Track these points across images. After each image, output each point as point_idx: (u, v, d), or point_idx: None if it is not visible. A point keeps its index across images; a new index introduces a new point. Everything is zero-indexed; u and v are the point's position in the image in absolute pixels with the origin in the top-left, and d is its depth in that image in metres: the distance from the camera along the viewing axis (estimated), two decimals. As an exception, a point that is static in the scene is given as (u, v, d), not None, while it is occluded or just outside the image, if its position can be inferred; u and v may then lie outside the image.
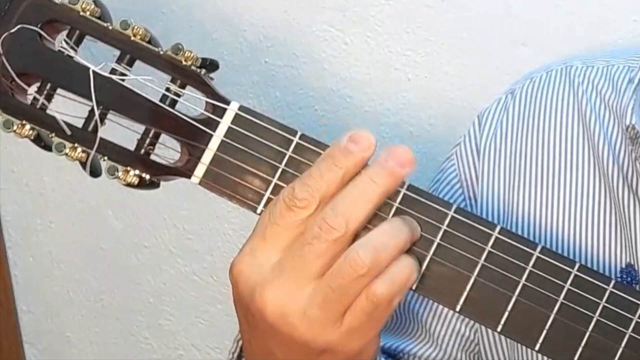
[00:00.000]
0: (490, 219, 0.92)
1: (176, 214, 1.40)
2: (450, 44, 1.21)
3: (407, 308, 0.96)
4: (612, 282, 0.71)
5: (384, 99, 1.24)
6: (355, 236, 0.69)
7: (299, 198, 0.68)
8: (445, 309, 0.93)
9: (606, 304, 0.71)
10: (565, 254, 0.86)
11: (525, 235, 0.89)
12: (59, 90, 0.73)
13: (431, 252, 0.71)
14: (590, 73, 0.93)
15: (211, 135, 0.72)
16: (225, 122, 0.72)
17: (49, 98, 0.73)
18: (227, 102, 0.73)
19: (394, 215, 0.71)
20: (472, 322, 0.94)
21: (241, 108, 0.73)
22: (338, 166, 0.68)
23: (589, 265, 0.87)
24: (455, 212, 0.71)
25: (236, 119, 0.72)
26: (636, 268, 0.85)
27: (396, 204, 0.71)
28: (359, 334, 0.69)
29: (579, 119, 0.91)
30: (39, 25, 0.73)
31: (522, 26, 1.17)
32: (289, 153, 0.72)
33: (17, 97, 0.73)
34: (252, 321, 0.71)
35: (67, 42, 0.72)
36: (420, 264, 0.71)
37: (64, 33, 0.73)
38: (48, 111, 0.73)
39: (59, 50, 0.73)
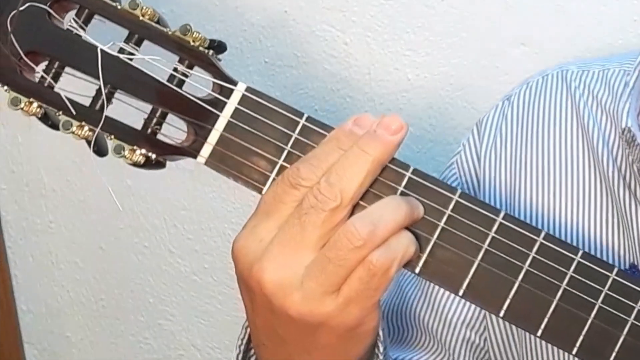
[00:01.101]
0: None
1: (176, 214, 1.40)
2: (450, 44, 1.21)
3: (417, 319, 0.96)
4: (615, 269, 0.72)
5: (384, 99, 1.25)
6: (356, 205, 0.70)
7: (303, 177, 0.69)
8: (454, 318, 0.94)
9: (609, 292, 0.71)
10: None
11: None
12: (67, 69, 0.73)
13: (435, 236, 0.71)
14: (586, 77, 0.94)
15: (218, 116, 0.72)
16: (232, 103, 0.73)
17: (57, 76, 0.73)
18: (235, 83, 0.73)
19: None
20: (480, 328, 0.94)
21: (248, 89, 0.73)
22: (342, 148, 0.70)
23: None
24: (459, 196, 0.71)
25: (243, 99, 0.73)
26: (639, 268, 0.85)
27: (401, 188, 0.72)
28: (355, 304, 0.70)
29: (577, 123, 0.91)
30: (48, 4, 0.72)
31: (522, 26, 1.17)
32: (295, 135, 0.72)
33: (25, 75, 0.73)
34: (253, 297, 0.72)
35: (75, 21, 0.72)
36: (424, 248, 0.71)
37: (73, 12, 0.73)
38: (55, 89, 0.73)
39: (68, 29, 0.72)
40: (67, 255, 1.48)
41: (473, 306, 0.93)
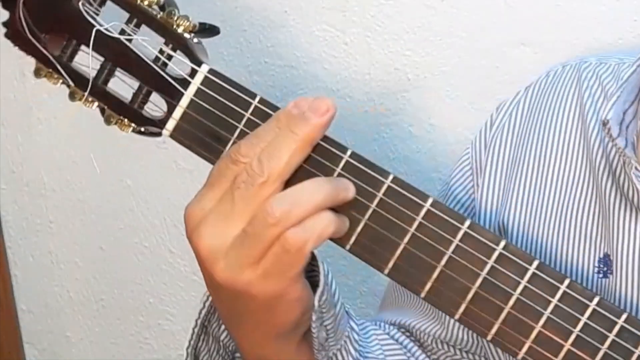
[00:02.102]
0: (488, 208, 0.96)
1: (176, 214, 1.40)
2: (450, 44, 1.21)
3: None
4: (536, 262, 0.75)
5: (384, 99, 1.25)
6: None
7: (242, 154, 0.75)
8: None
9: (527, 284, 0.75)
10: (549, 244, 0.91)
11: (517, 225, 0.93)
12: (82, 47, 0.82)
13: (366, 216, 0.77)
14: (600, 70, 0.94)
15: (182, 94, 0.80)
16: (195, 83, 0.80)
17: (75, 53, 0.82)
18: (199, 64, 0.80)
19: None
20: None
21: (211, 71, 0.80)
22: (279, 127, 0.75)
23: (569, 254, 0.89)
24: (391, 181, 0.76)
25: (205, 80, 0.80)
26: (611, 258, 0.86)
27: (338, 169, 0.77)
28: (273, 277, 0.75)
29: (579, 115, 0.92)
30: None
31: (522, 26, 1.17)
32: (247, 115, 0.79)
33: (50, 50, 0.82)
34: (197, 259, 0.78)
35: (90, 4, 0.81)
36: (355, 227, 0.77)
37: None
38: (72, 64, 0.83)
39: (86, 11, 0.81)
40: (67, 255, 1.48)
41: None
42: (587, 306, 0.74)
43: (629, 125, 0.87)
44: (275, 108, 0.78)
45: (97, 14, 0.81)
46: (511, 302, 0.75)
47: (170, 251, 1.42)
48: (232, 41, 1.27)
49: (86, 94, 0.82)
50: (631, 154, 0.84)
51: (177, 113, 0.80)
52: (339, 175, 0.77)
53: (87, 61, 0.82)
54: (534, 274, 0.75)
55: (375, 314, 1.09)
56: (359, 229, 0.77)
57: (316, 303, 0.79)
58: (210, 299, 0.85)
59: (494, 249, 0.75)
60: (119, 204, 1.42)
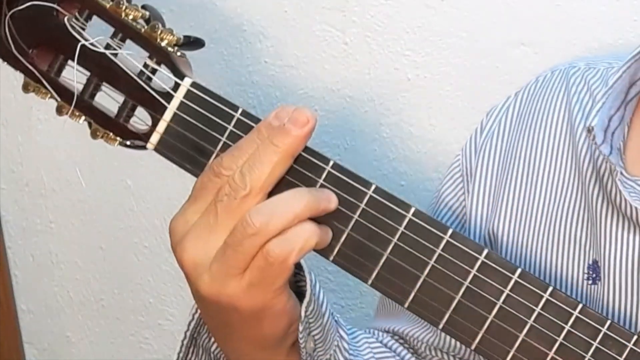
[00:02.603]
0: (478, 214, 0.96)
1: (176, 214, 1.40)
2: (450, 44, 1.21)
3: None
4: (518, 270, 0.75)
5: (384, 99, 1.25)
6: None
7: (225, 166, 0.75)
8: None
9: (510, 293, 0.75)
10: (539, 251, 0.91)
11: (506, 231, 0.93)
12: (69, 62, 0.82)
13: (349, 227, 0.77)
14: (588, 74, 0.94)
15: (165, 107, 0.80)
16: (178, 97, 0.80)
17: (61, 68, 0.82)
18: (182, 78, 0.80)
19: None
20: None
21: (193, 84, 0.80)
22: (261, 139, 0.75)
23: (558, 262, 0.89)
24: (373, 191, 0.76)
25: (188, 94, 0.80)
26: (599, 265, 0.86)
27: (320, 181, 0.77)
28: (258, 289, 0.75)
29: (567, 120, 0.92)
30: (56, 2, 0.81)
31: (522, 26, 1.17)
32: (230, 127, 0.79)
33: (38, 64, 0.82)
34: (183, 272, 0.78)
35: (77, 19, 0.81)
36: (339, 238, 0.77)
37: (77, 10, 0.82)
38: (60, 79, 0.82)
39: (72, 26, 0.81)
40: (67, 255, 1.48)
41: None
42: (571, 314, 0.75)
43: (614, 132, 0.87)
44: (257, 120, 0.78)
45: (84, 29, 0.81)
46: (494, 311, 0.75)
47: (170, 251, 1.42)
48: (232, 41, 1.27)
49: (72, 108, 0.82)
50: (616, 160, 0.85)
51: (161, 127, 0.80)
52: (322, 186, 0.77)
53: (74, 76, 0.82)
54: (516, 282, 0.75)
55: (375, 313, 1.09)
56: (342, 239, 0.77)
57: (302, 313, 0.79)
58: (198, 310, 0.85)
59: (477, 258, 0.75)
60: (119, 204, 1.42)
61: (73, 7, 0.81)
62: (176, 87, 0.80)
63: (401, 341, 0.99)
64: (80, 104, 0.82)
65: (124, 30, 0.80)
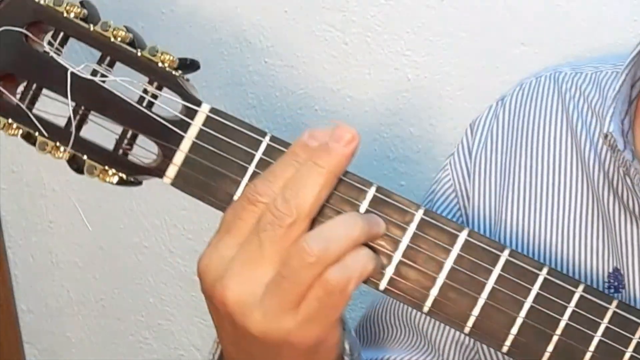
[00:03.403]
0: (481, 228, 0.93)
1: (176, 214, 1.40)
2: (450, 44, 1.21)
3: (408, 318, 0.96)
4: (582, 285, 0.71)
5: (384, 99, 1.24)
6: (317, 223, 0.70)
7: (260, 193, 0.69)
8: None
9: (575, 308, 0.71)
10: (554, 261, 0.88)
11: (515, 244, 0.91)
12: (44, 91, 0.74)
13: (399, 253, 0.71)
14: (578, 79, 0.93)
15: (182, 137, 0.73)
16: (196, 124, 0.73)
17: (35, 98, 0.74)
18: (199, 104, 0.73)
19: None
20: None
21: (212, 110, 0.73)
22: (298, 161, 0.69)
23: (577, 271, 0.87)
24: (424, 214, 0.71)
25: (207, 120, 0.73)
26: (622, 272, 0.85)
27: (364, 205, 0.71)
28: (315, 322, 0.69)
29: (567, 127, 0.91)
30: (24, 27, 0.74)
31: (522, 26, 1.17)
32: (258, 154, 0.72)
33: (4, 97, 0.74)
34: (218, 315, 0.72)
35: (51, 44, 0.73)
36: (388, 265, 0.71)
37: (50, 34, 0.74)
38: (34, 111, 0.74)
39: (44, 52, 0.73)
40: (67, 255, 1.48)
41: None
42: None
43: (627, 135, 0.87)
44: (288, 145, 0.72)
45: (59, 54, 0.74)
46: (560, 329, 0.72)
47: (170, 251, 1.42)
48: (232, 41, 1.27)
49: (70, 143, 0.74)
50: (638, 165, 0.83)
51: (178, 158, 0.73)
52: (367, 211, 0.71)
53: (52, 107, 0.74)
54: (581, 296, 0.71)
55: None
56: (392, 267, 0.71)
57: (347, 346, 0.76)
58: (216, 355, 0.80)
59: (537, 275, 0.71)
60: (119, 204, 1.42)
61: (42, 31, 0.75)
62: (191, 113, 0.73)
63: None
64: (68, 139, 0.74)
65: (113, 54, 0.73)
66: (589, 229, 0.88)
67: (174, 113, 0.74)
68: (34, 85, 0.74)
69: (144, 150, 0.75)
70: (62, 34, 0.74)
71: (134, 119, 0.73)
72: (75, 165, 0.75)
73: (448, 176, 0.97)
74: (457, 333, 0.94)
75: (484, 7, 1.18)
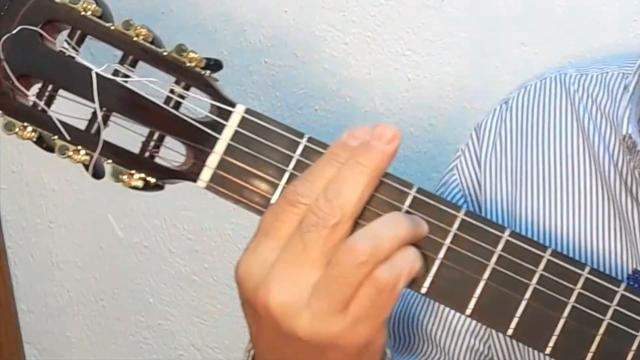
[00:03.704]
0: None
1: (176, 214, 1.40)
2: (450, 44, 1.21)
3: (421, 328, 0.96)
4: (623, 285, 0.71)
5: (384, 99, 1.24)
6: (358, 225, 0.69)
7: (301, 194, 0.68)
8: (459, 326, 0.94)
9: (617, 307, 0.71)
10: None
11: None
12: (60, 92, 0.71)
13: (440, 255, 0.70)
14: (584, 81, 0.93)
15: (217, 139, 0.71)
16: (231, 125, 0.71)
17: (51, 100, 0.71)
18: (233, 105, 0.71)
19: None
20: (485, 336, 0.93)
21: (247, 111, 0.71)
22: (338, 162, 0.68)
23: None
24: (465, 214, 0.70)
25: (242, 122, 0.71)
26: None
27: (405, 207, 0.70)
28: (365, 323, 0.68)
29: (577, 128, 0.91)
30: (39, 26, 0.71)
31: (522, 26, 1.17)
32: (296, 156, 0.71)
33: (19, 98, 0.71)
34: (259, 320, 0.70)
35: (68, 43, 0.71)
36: (430, 268, 0.70)
37: (65, 33, 0.72)
38: (50, 113, 0.71)
39: (60, 51, 0.71)
40: (67, 255, 1.48)
41: None
42: None
43: None
44: (326, 146, 0.70)
45: (77, 54, 0.71)
46: (602, 329, 0.71)
47: (170, 251, 1.42)
48: (232, 41, 1.27)
49: (98, 150, 0.71)
50: None
51: (212, 160, 0.71)
52: (407, 212, 0.70)
53: (64, 108, 0.71)
54: (622, 295, 0.71)
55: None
56: (433, 269, 0.70)
57: (389, 351, 0.75)
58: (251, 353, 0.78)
59: (580, 275, 0.70)
60: (119, 204, 1.42)
61: (56, 30, 0.72)
62: (224, 114, 0.71)
63: None
64: (92, 141, 0.71)
65: (137, 54, 0.71)
66: (606, 231, 0.88)
67: (205, 114, 0.72)
68: (50, 87, 0.71)
69: (168, 153, 0.73)
70: (78, 32, 0.71)
71: (163, 120, 0.71)
72: (94, 170, 0.73)
73: (456, 180, 0.96)
74: (472, 340, 0.94)
75: (484, 7, 1.18)
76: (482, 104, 1.19)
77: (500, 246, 0.70)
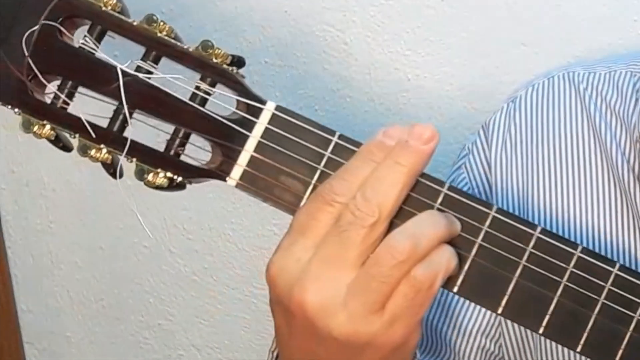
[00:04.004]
0: None
1: (176, 214, 1.40)
2: (450, 44, 1.21)
3: (431, 328, 0.96)
4: (617, 265, 0.71)
5: (384, 99, 1.24)
6: (392, 224, 0.69)
7: (337, 193, 0.68)
8: (470, 326, 0.93)
9: (611, 287, 0.70)
10: None
11: None
12: (80, 89, 0.70)
13: (473, 252, 0.70)
14: (593, 79, 0.93)
15: (247, 136, 0.70)
16: (262, 123, 0.70)
17: (70, 97, 0.70)
18: (263, 102, 0.70)
19: None
20: (496, 335, 0.93)
21: (278, 108, 0.71)
22: (374, 161, 0.68)
23: None
24: (496, 212, 0.70)
25: (273, 119, 0.70)
26: None
27: (437, 204, 0.70)
28: (401, 322, 0.68)
29: (588, 125, 0.91)
30: (59, 21, 0.69)
31: (522, 26, 1.17)
32: (327, 154, 0.70)
33: (36, 96, 0.70)
34: (292, 321, 0.69)
35: (89, 39, 0.69)
36: (462, 266, 0.70)
37: (84, 29, 0.70)
38: (69, 110, 0.69)
39: (80, 47, 0.69)
40: (67, 255, 1.48)
41: (489, 313, 0.92)
42: None
43: None
44: (357, 144, 0.70)
45: (96, 50, 0.69)
46: (632, 326, 0.70)
47: (170, 251, 1.42)
48: (232, 41, 1.27)
49: (125, 150, 0.69)
50: None
51: (243, 158, 0.70)
52: (438, 210, 0.70)
53: (87, 107, 0.70)
54: None
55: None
56: (465, 267, 0.70)
57: (418, 352, 0.75)
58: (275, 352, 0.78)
59: (610, 272, 0.70)
60: (119, 204, 1.42)
61: (75, 25, 0.70)
62: (253, 111, 0.70)
63: None
64: (115, 140, 0.69)
65: (160, 50, 0.69)
66: (620, 227, 0.88)
67: (232, 110, 0.71)
68: (69, 83, 0.69)
69: (192, 151, 0.71)
70: (99, 28, 0.70)
71: (189, 118, 0.70)
72: (112, 168, 0.71)
73: (465, 179, 0.96)
74: (484, 340, 0.93)
75: (484, 7, 1.18)
76: (482, 104, 1.19)
77: (531, 243, 0.70)
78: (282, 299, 0.69)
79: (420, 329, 0.71)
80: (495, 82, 1.19)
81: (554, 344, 0.87)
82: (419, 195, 0.70)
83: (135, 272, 1.45)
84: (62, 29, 0.69)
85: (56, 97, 0.69)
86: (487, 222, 0.70)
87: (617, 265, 0.71)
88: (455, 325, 0.94)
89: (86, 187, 1.43)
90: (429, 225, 0.68)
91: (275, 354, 0.79)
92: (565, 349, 0.85)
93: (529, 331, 0.89)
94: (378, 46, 1.23)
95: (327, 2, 1.23)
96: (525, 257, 0.70)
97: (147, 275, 1.45)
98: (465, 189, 0.94)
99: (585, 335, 0.71)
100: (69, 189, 1.44)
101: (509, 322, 0.90)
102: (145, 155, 0.70)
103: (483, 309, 0.89)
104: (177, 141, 0.70)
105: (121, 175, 0.72)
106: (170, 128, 0.70)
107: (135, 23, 0.70)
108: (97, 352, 1.51)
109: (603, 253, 0.87)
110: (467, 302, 0.91)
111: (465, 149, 0.97)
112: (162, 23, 0.70)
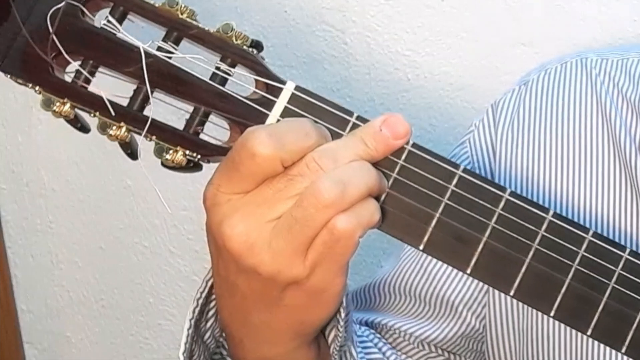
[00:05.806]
0: None
1: (176, 214, 1.40)
2: (450, 44, 1.21)
3: (415, 294, 0.95)
4: (628, 249, 0.71)
5: (384, 99, 1.25)
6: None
7: (296, 151, 0.68)
8: (453, 297, 0.93)
9: (621, 271, 0.71)
10: None
11: None
12: (100, 69, 0.70)
13: (486, 234, 0.70)
14: (605, 65, 0.93)
15: (266, 115, 0.70)
16: (281, 102, 0.71)
17: (91, 76, 0.70)
18: (283, 82, 0.71)
19: (398, 172, 0.71)
20: (482, 315, 0.93)
21: (297, 88, 0.71)
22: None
23: None
24: (510, 195, 0.71)
25: (292, 98, 0.71)
26: None
27: (452, 186, 0.71)
28: (322, 267, 0.69)
29: (597, 110, 0.91)
30: (82, 1, 0.70)
31: (522, 26, 1.17)
32: (345, 134, 0.71)
33: (57, 74, 0.70)
34: (220, 250, 0.71)
35: (110, 20, 0.70)
36: (429, 223, 0.70)
37: (107, 10, 0.71)
38: (90, 89, 0.70)
39: (102, 28, 0.70)
40: (67, 255, 1.48)
41: (473, 286, 0.92)
42: None
43: None
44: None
45: (118, 31, 0.70)
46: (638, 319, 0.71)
47: (170, 251, 1.42)
48: (232, 41, 1.27)
49: (146, 128, 0.69)
50: None
51: None
52: (453, 192, 0.70)
53: (106, 85, 0.70)
54: None
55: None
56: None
57: (344, 300, 0.74)
58: (203, 294, 0.79)
59: (621, 256, 0.71)
60: (119, 204, 1.42)
61: (98, 6, 0.71)
62: (273, 91, 0.70)
63: (377, 334, 0.96)
64: (135, 118, 0.70)
65: (182, 31, 0.70)
66: (626, 213, 0.88)
67: (252, 90, 0.71)
68: (90, 63, 0.70)
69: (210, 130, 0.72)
70: (121, 9, 0.70)
71: (210, 97, 0.70)
72: (129, 149, 0.72)
73: (467, 153, 0.96)
74: (468, 317, 0.93)
75: (484, 7, 1.18)
76: (482, 104, 1.19)
77: (544, 227, 0.70)
78: (212, 229, 0.70)
79: (344, 277, 0.71)
80: (495, 82, 1.19)
81: (545, 331, 0.87)
82: (434, 176, 0.70)
83: (135, 272, 1.45)
84: (84, 9, 0.70)
85: (77, 76, 0.70)
86: (501, 205, 0.70)
87: (628, 250, 0.71)
88: (439, 295, 0.94)
89: (86, 187, 1.43)
90: (359, 175, 0.68)
91: (209, 283, 0.80)
92: (556, 335, 0.86)
93: (515, 312, 0.89)
94: (378, 46, 1.23)
95: (327, 2, 1.23)
96: (537, 240, 0.71)
97: (147, 275, 1.45)
98: (466, 164, 0.94)
99: (595, 318, 0.71)
100: (69, 189, 1.44)
101: (496, 300, 0.90)
102: (164, 133, 0.71)
103: (468, 282, 0.91)
104: (197, 120, 0.71)
105: (136, 158, 0.73)
106: (189, 108, 0.71)
107: (157, 5, 0.71)
108: (97, 352, 1.52)
109: (606, 235, 0.88)
110: (453, 273, 0.92)
111: (472, 126, 0.97)
112: (183, 6, 0.71)
